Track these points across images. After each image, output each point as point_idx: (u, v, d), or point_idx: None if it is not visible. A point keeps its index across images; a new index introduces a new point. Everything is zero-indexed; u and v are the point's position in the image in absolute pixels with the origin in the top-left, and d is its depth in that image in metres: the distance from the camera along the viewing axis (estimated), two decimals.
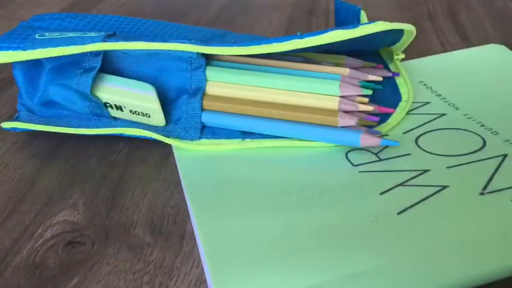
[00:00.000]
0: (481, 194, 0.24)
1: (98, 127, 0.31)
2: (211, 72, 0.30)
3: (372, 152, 0.28)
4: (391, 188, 0.25)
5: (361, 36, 0.27)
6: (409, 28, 0.29)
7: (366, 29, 0.27)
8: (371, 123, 0.29)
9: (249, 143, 0.30)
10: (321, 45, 0.28)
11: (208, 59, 0.31)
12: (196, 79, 0.30)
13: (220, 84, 0.30)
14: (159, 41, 0.29)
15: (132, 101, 0.29)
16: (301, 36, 0.27)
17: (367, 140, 0.28)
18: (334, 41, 0.27)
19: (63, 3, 0.56)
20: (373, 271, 0.21)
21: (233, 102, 0.30)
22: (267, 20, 0.50)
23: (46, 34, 0.31)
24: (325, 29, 0.28)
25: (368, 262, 0.22)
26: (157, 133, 0.30)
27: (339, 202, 0.25)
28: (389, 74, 0.33)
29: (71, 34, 0.31)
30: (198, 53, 0.29)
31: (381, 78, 0.31)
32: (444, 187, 0.25)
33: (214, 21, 0.51)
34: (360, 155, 0.28)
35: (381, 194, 0.25)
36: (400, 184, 0.26)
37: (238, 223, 0.24)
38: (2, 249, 0.25)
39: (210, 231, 0.24)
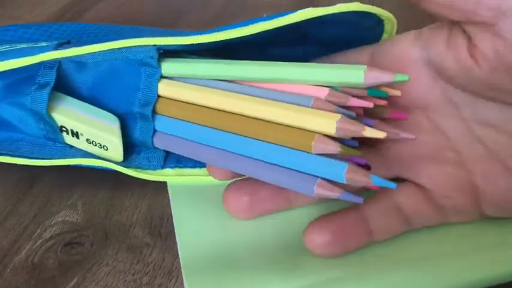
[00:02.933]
0: None
1: (51, 156, 0.28)
2: (166, 64, 0.26)
3: None
4: None
5: (334, 24, 0.25)
6: (386, 15, 0.26)
7: (341, 7, 0.24)
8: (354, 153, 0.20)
9: None
10: (291, 30, 0.24)
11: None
12: (147, 91, 0.26)
13: (176, 83, 0.25)
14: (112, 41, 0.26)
15: (92, 129, 0.26)
16: (267, 18, 0.24)
17: (354, 174, 0.20)
18: (307, 18, 0.23)
19: (62, 2, 0.56)
20: (348, 277, 0.22)
21: (191, 110, 0.25)
22: None
23: None
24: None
25: (344, 268, 0.22)
26: (117, 164, 0.27)
27: (323, 211, 0.25)
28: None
29: (21, 46, 0.28)
30: (159, 53, 0.25)
31: (371, 105, 0.21)
32: None
33: (214, 21, 0.51)
34: None
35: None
36: None
37: (217, 228, 0.25)
38: (0, 250, 0.25)
39: (188, 238, 0.24)
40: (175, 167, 0.28)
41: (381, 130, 0.22)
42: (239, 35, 0.24)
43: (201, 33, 0.25)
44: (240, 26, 0.24)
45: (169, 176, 0.28)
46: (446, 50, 0.22)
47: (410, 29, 0.26)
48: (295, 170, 0.21)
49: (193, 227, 0.25)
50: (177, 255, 0.24)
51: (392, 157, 0.25)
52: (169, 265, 0.24)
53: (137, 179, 0.29)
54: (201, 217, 0.25)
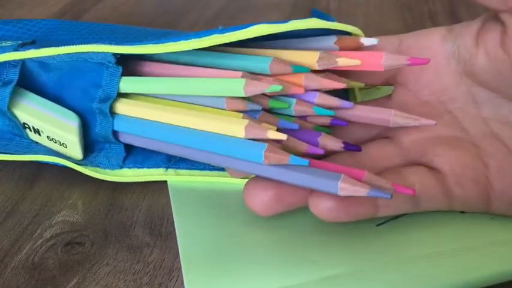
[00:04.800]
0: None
1: (16, 151, 0.29)
2: (123, 83, 0.26)
3: None
4: None
5: (293, 34, 0.25)
6: (350, 30, 0.26)
7: (296, 24, 0.24)
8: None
9: (172, 175, 0.28)
10: (251, 40, 0.25)
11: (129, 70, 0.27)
12: (108, 88, 0.26)
13: (131, 101, 0.26)
14: (75, 44, 0.26)
15: (50, 127, 0.27)
16: (222, 31, 0.25)
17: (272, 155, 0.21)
18: (259, 35, 0.24)
19: (62, 2, 0.56)
20: (346, 275, 0.22)
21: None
22: (267, 20, 0.50)
23: None
24: (250, 23, 0.25)
25: (341, 266, 0.22)
26: (75, 162, 0.28)
27: None
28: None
29: None
30: (116, 58, 0.26)
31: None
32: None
33: (214, 21, 0.51)
34: None
35: None
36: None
37: (217, 227, 0.25)
38: (1, 250, 0.25)
39: (187, 231, 0.24)
40: (133, 167, 0.29)
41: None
42: (190, 48, 0.25)
43: (156, 42, 0.25)
44: (195, 37, 0.25)
45: (126, 176, 0.28)
46: (475, 44, 0.22)
47: (410, 29, 0.26)
48: (225, 155, 0.23)
49: (194, 226, 0.25)
50: (178, 255, 0.24)
51: (410, 143, 0.24)
52: (170, 265, 0.24)
53: None
54: (201, 215, 0.25)
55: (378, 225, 0.24)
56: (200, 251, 0.23)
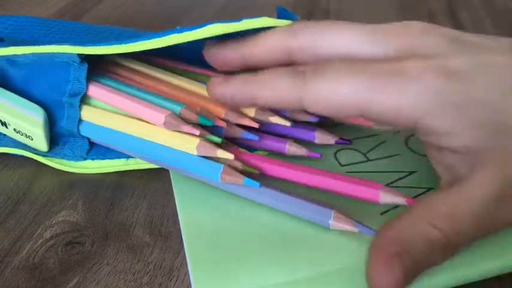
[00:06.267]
0: None
1: None
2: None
3: (361, 152, 0.28)
4: None
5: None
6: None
7: (249, 23, 0.25)
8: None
9: (133, 164, 0.29)
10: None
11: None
12: (77, 83, 0.28)
13: (96, 109, 0.28)
14: (42, 45, 0.28)
15: (16, 120, 0.28)
16: (180, 31, 0.26)
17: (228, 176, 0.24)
18: (215, 34, 0.25)
19: (62, 2, 0.56)
20: (352, 268, 0.21)
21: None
22: None
23: None
24: (205, 23, 0.26)
25: (347, 259, 0.22)
26: (40, 154, 0.29)
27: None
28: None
29: None
30: (81, 58, 0.27)
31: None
32: (429, 189, 0.25)
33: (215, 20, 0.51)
34: (349, 155, 0.28)
35: None
36: (386, 185, 0.25)
37: (219, 222, 0.24)
38: (1, 250, 0.25)
39: (193, 230, 0.24)
40: (96, 159, 0.30)
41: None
42: (148, 48, 0.26)
43: (118, 43, 0.26)
44: (154, 37, 0.26)
45: (89, 168, 0.29)
46: None
47: None
48: (185, 169, 0.25)
49: (196, 212, 0.25)
50: (178, 254, 0.24)
51: None
52: (170, 265, 0.24)
53: (138, 178, 0.29)
54: (203, 201, 0.25)
55: (382, 213, 0.24)
56: (204, 242, 0.23)
